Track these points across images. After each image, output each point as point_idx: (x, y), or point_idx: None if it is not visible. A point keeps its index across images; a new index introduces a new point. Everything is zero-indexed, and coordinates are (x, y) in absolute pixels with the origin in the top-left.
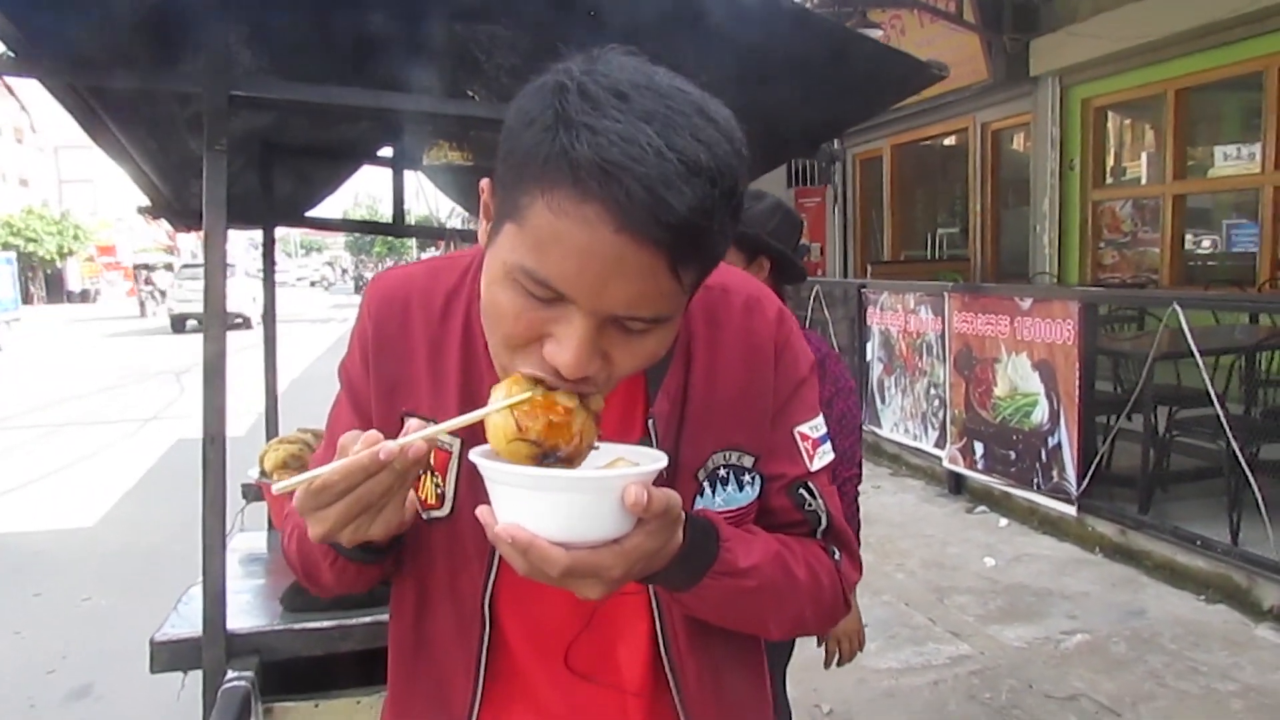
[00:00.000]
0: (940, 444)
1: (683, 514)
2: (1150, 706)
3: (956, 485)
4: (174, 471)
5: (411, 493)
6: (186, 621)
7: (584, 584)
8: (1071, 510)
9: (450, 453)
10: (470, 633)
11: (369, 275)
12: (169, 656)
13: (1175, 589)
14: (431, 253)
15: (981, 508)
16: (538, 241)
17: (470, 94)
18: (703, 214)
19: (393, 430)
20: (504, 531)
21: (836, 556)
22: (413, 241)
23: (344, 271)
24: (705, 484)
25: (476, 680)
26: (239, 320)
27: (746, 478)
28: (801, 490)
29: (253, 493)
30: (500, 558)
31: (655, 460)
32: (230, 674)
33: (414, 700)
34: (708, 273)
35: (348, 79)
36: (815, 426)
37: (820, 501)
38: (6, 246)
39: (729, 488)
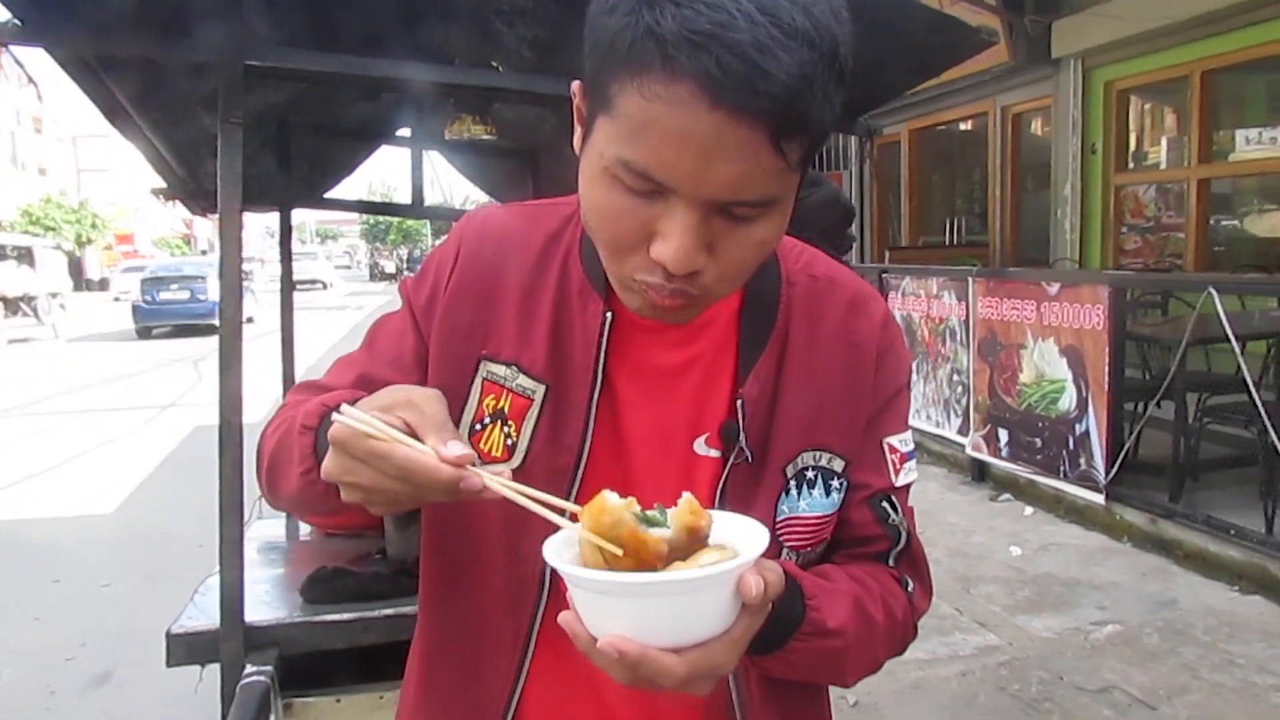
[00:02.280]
0: (963, 431)
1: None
2: (1186, 700)
3: (980, 473)
4: (192, 458)
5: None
6: (203, 613)
7: (698, 685)
8: (1099, 498)
9: (531, 400)
10: (525, 600)
11: (384, 263)
12: (185, 649)
13: (1207, 579)
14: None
15: (1006, 496)
16: (632, 130)
17: (494, 65)
18: (803, 80)
19: (460, 369)
20: (609, 646)
21: (909, 588)
22: (427, 227)
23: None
24: (792, 483)
25: (524, 652)
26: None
27: (835, 483)
28: (884, 503)
29: None
30: (571, 515)
31: (758, 537)
32: (249, 668)
33: (439, 678)
34: (815, 148)
35: (367, 52)
36: (905, 440)
37: (902, 519)
38: (26, 235)
39: (815, 491)
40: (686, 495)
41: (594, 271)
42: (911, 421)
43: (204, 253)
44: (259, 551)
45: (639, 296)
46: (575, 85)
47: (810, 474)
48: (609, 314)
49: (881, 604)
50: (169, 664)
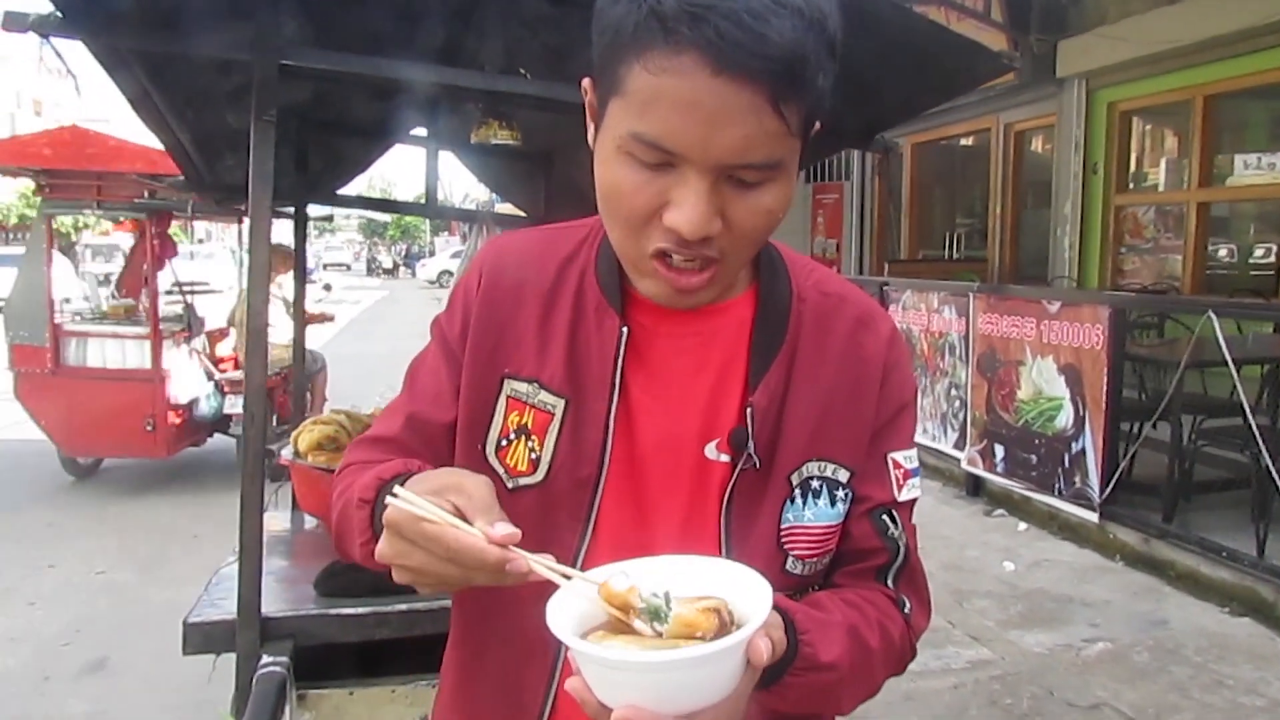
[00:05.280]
0: (960, 445)
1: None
2: (1175, 719)
3: (975, 488)
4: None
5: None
6: (219, 603)
7: None
8: (1093, 517)
9: (553, 414)
10: None
11: (381, 259)
12: (202, 638)
13: (1198, 600)
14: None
15: (1000, 511)
16: (641, 105)
17: (521, 72)
18: (796, 44)
19: (485, 389)
20: (623, 719)
21: (907, 609)
22: (426, 224)
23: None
24: (797, 491)
25: (556, 662)
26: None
27: (840, 493)
28: (885, 517)
29: (281, 473)
30: (594, 523)
31: (764, 597)
32: (265, 658)
33: (478, 692)
34: (814, 114)
35: (395, 54)
36: (909, 457)
37: (901, 534)
38: (24, 219)
39: (820, 501)
40: (676, 613)
41: (610, 288)
42: None
43: (201, 241)
44: (269, 543)
45: (656, 281)
46: (586, 82)
47: (815, 484)
48: (624, 329)
49: (878, 629)
50: (185, 652)
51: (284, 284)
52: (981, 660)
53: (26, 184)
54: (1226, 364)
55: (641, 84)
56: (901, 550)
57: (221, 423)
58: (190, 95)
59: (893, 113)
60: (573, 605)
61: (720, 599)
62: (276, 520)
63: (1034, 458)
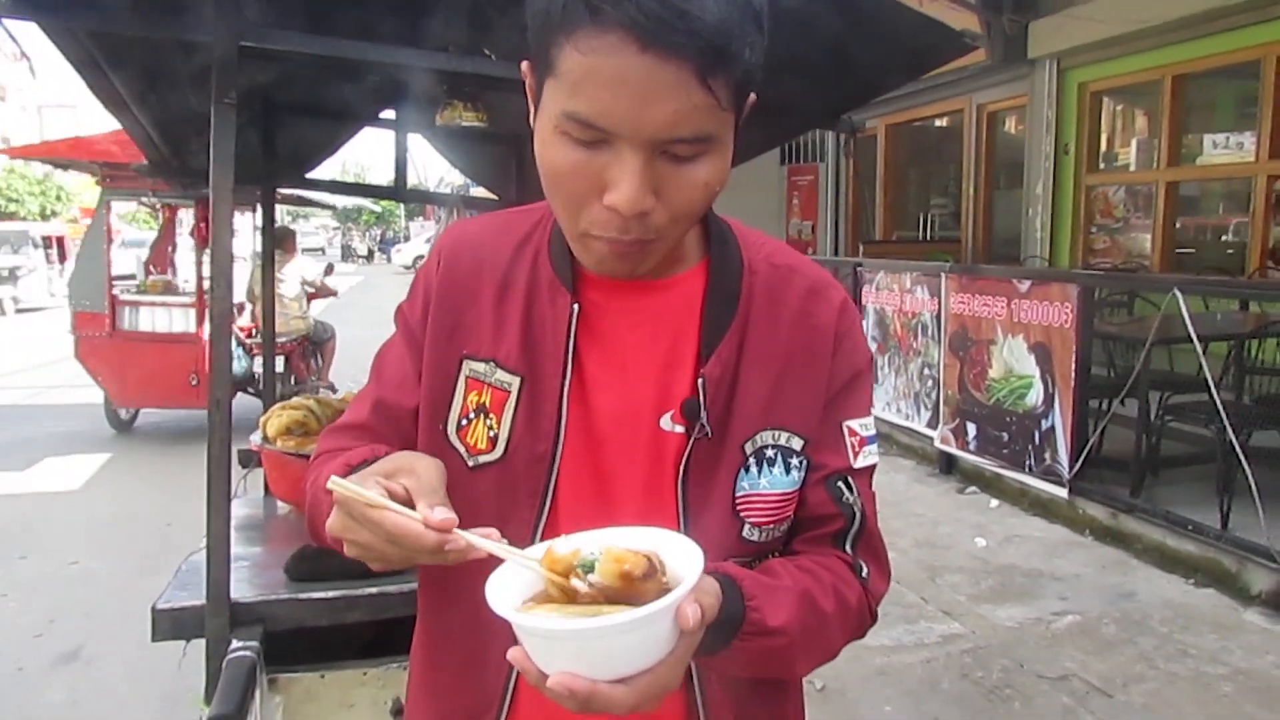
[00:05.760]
0: (932, 424)
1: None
2: (1141, 688)
3: (948, 465)
4: (154, 437)
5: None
6: (187, 589)
7: (647, 705)
8: (1063, 493)
9: (509, 392)
10: None
11: (355, 245)
12: (171, 625)
13: (1165, 572)
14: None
15: (972, 488)
16: (573, 84)
17: (486, 53)
18: (719, 20)
19: (446, 371)
20: (559, 685)
21: (864, 574)
22: (401, 209)
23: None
24: (751, 460)
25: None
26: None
27: (794, 461)
28: (840, 483)
29: (251, 459)
30: (551, 497)
31: (695, 562)
32: (235, 643)
33: (446, 672)
34: (743, 88)
35: (358, 36)
36: (865, 425)
37: (857, 499)
38: (43, 209)
39: (775, 469)
40: (606, 547)
41: (562, 267)
42: (882, 414)
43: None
44: (238, 529)
45: (596, 252)
46: (525, 65)
47: (770, 452)
48: (576, 305)
49: (833, 593)
50: (154, 639)
51: (293, 264)
52: (953, 634)
53: (38, 174)
54: (1191, 340)
55: (572, 64)
56: (858, 516)
57: (249, 380)
58: (152, 78)
59: (858, 92)
60: (515, 579)
61: (652, 551)
62: (249, 507)
63: (1005, 435)
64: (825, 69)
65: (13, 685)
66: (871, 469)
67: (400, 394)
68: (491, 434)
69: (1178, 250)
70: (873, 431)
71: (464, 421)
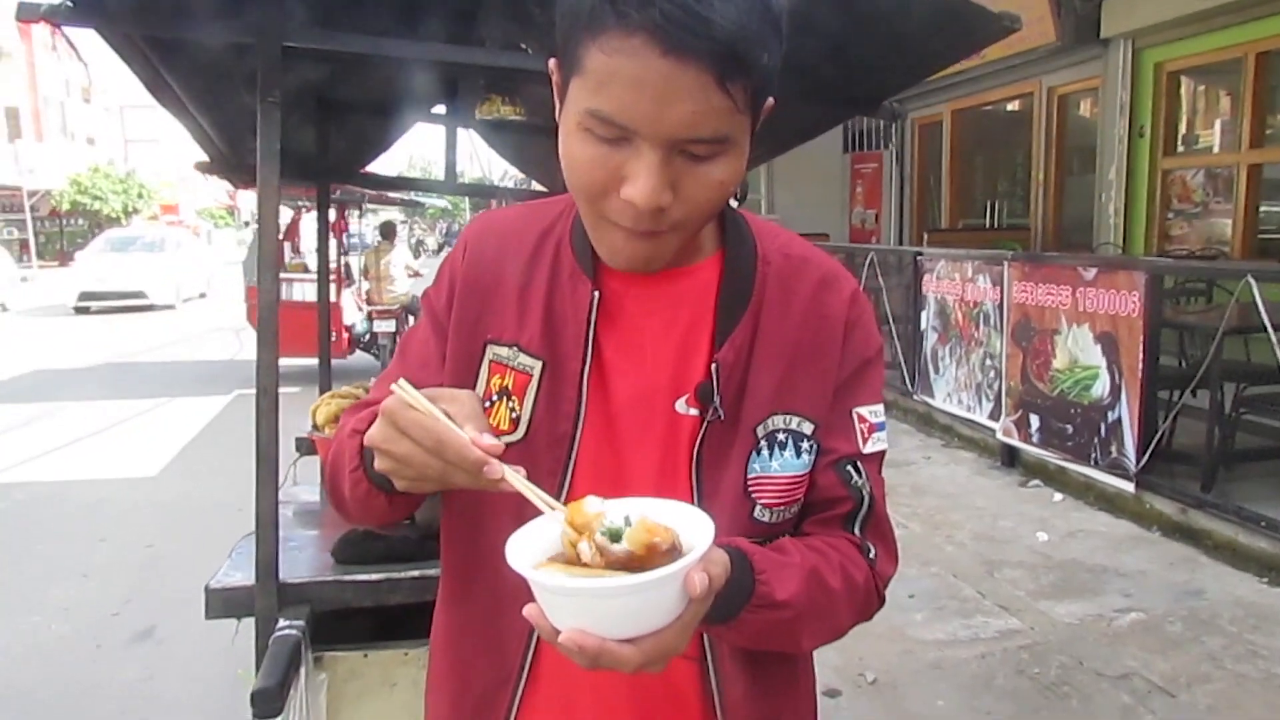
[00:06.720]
0: (994, 416)
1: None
2: (1206, 688)
3: (1010, 458)
4: (233, 424)
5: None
6: (240, 570)
7: (653, 667)
8: (1130, 487)
9: (531, 375)
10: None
11: (427, 240)
12: (223, 603)
13: (1236, 570)
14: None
15: (1035, 482)
16: (598, 83)
17: (523, 47)
18: (738, 26)
19: (470, 355)
20: (570, 640)
21: (872, 555)
22: (466, 204)
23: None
24: (764, 443)
25: (532, 633)
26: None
27: (805, 444)
28: (849, 467)
29: (305, 446)
30: (571, 476)
31: (705, 532)
32: (282, 622)
33: (465, 642)
34: (761, 92)
35: (401, 34)
36: (875, 412)
37: (866, 482)
38: (75, 205)
39: (786, 452)
40: (642, 516)
41: (583, 256)
42: (943, 405)
43: (246, 224)
44: (294, 514)
45: (611, 240)
46: (551, 62)
47: (781, 436)
48: (596, 293)
49: (840, 572)
50: (207, 616)
51: (397, 251)
52: (1010, 630)
53: (120, 173)
54: (1266, 330)
55: (597, 64)
56: (866, 499)
57: (370, 341)
58: (206, 79)
59: (899, 78)
60: (534, 539)
61: (672, 528)
62: (305, 493)
63: (1069, 427)
64: (864, 55)
65: (91, 662)
66: (881, 455)
67: (423, 374)
68: (514, 415)
69: (1260, 236)
70: (882, 419)
71: (487, 404)
